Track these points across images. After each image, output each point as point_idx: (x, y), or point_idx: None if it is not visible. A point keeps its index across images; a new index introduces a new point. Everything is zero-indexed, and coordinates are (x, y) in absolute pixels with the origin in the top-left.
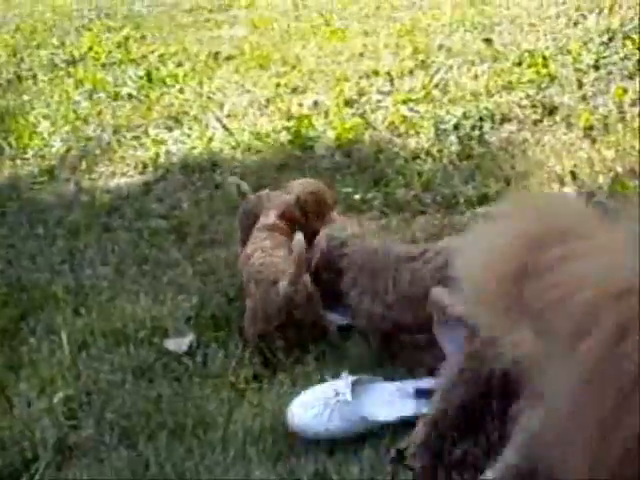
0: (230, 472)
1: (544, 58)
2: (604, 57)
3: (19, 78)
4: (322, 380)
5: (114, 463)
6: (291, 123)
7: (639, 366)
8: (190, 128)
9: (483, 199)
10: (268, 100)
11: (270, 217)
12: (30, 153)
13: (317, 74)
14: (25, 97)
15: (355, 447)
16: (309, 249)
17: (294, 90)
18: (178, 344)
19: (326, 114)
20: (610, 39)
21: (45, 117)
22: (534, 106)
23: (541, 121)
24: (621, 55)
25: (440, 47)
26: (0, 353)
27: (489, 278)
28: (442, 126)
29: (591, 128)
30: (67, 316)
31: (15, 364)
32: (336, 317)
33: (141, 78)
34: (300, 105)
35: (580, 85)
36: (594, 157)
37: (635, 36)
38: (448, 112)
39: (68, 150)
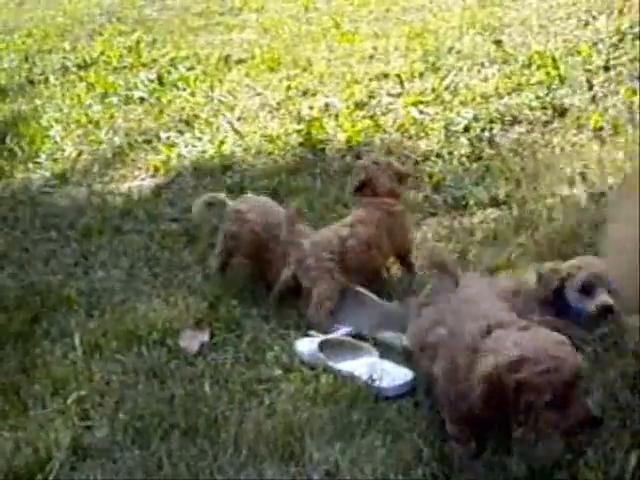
0: (242, 472)
1: (554, 59)
2: (614, 58)
3: (31, 82)
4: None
5: (128, 463)
6: (302, 126)
7: None
8: (201, 131)
9: (493, 201)
10: (279, 103)
11: None
12: (42, 157)
13: (327, 77)
14: (37, 101)
15: (368, 446)
16: None
17: (305, 93)
18: (191, 342)
19: (336, 116)
20: (620, 40)
21: (57, 121)
22: (544, 108)
23: (551, 122)
24: (631, 56)
25: (450, 49)
26: (14, 355)
27: None
28: (452, 128)
29: (601, 129)
30: (80, 318)
31: (29, 366)
32: (345, 329)
33: (152, 82)
34: (311, 108)
35: (590, 86)
36: (604, 158)
37: None
38: (458, 114)
39: (80, 154)
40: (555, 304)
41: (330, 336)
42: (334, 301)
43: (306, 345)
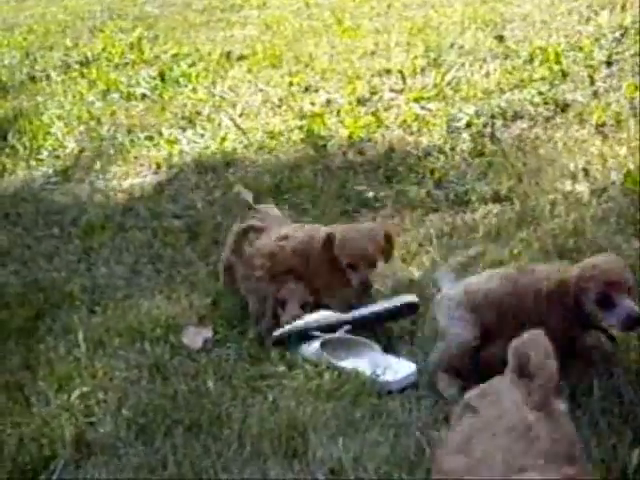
0: (246, 469)
1: (556, 55)
2: (616, 53)
3: (33, 79)
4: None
5: (131, 459)
6: (304, 122)
7: None
8: (203, 128)
9: (495, 196)
10: (281, 99)
11: None
12: (44, 154)
13: (329, 73)
14: (39, 98)
15: (371, 442)
16: None
17: (307, 89)
18: (195, 338)
19: (338, 112)
20: (622, 35)
21: (59, 118)
22: (546, 103)
23: (553, 118)
24: (633, 51)
25: (452, 45)
26: (17, 352)
27: None
28: (454, 124)
29: (603, 125)
30: (83, 315)
31: (32, 363)
32: (346, 327)
33: (154, 78)
34: (313, 104)
35: (592, 82)
36: (606, 153)
37: None
38: (460, 110)
39: (82, 151)
40: (576, 315)
41: (332, 335)
42: (268, 314)
43: (309, 344)
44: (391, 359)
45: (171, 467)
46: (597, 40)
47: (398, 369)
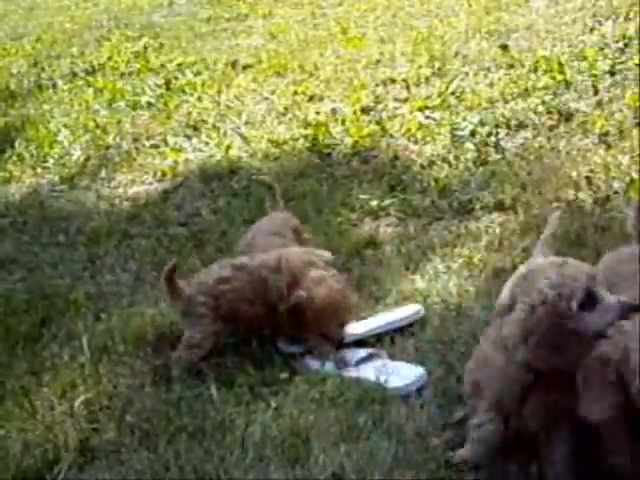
0: (249, 474)
1: (560, 64)
2: (620, 63)
3: (39, 87)
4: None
5: (135, 465)
6: (308, 130)
7: None
8: (208, 136)
9: (499, 205)
10: (286, 108)
11: None
12: (50, 161)
13: (334, 82)
14: (45, 106)
15: (373, 448)
16: None
17: (311, 98)
18: None
19: (343, 121)
20: (626, 45)
21: (65, 126)
22: (550, 112)
23: (557, 127)
24: (637, 61)
25: (456, 54)
26: (22, 358)
27: None
28: (458, 133)
29: (606, 134)
30: (88, 322)
31: (37, 369)
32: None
33: (160, 87)
34: (317, 113)
35: (596, 91)
36: (609, 162)
37: None
38: (464, 119)
39: (88, 158)
40: None
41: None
42: (204, 349)
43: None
44: (398, 364)
45: (174, 471)
46: (601, 50)
47: (406, 374)
